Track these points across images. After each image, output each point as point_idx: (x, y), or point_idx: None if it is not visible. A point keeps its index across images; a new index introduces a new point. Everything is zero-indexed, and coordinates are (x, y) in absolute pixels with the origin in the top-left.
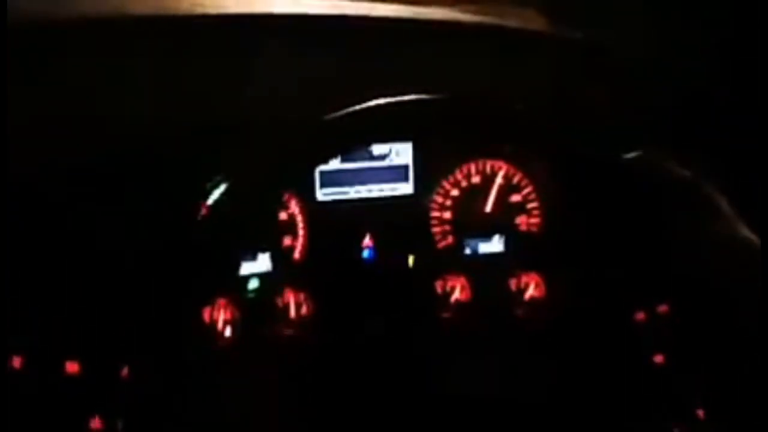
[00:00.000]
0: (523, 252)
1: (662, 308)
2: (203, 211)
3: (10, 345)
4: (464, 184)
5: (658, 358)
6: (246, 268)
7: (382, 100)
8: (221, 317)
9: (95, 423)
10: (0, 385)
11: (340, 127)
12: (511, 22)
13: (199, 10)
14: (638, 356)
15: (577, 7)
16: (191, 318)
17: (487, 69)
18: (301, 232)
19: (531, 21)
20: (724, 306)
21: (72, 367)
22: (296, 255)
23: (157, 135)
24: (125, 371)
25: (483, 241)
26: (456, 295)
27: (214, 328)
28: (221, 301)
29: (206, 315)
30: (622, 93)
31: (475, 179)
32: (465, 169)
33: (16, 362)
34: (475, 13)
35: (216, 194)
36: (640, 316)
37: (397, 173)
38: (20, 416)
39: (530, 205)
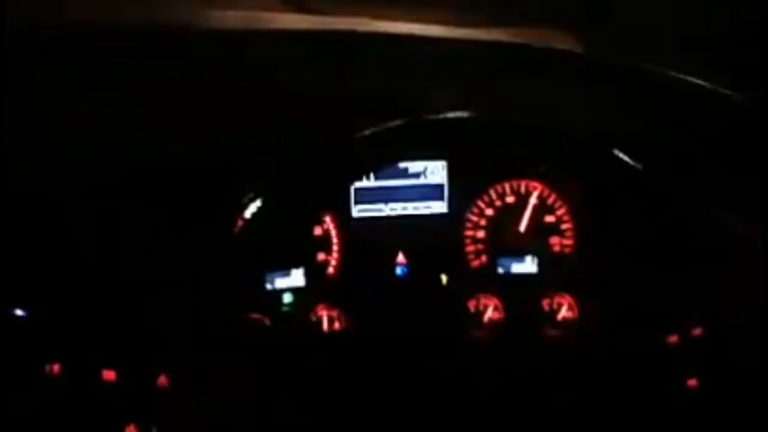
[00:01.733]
0: (556, 273)
1: (696, 332)
2: (239, 226)
3: (49, 352)
4: (498, 203)
5: (692, 382)
6: (280, 282)
7: (414, 119)
8: (256, 330)
9: (131, 430)
10: (39, 391)
11: (374, 145)
12: (552, 45)
13: (233, 26)
14: (671, 380)
15: (614, 31)
16: (227, 329)
17: (524, 90)
18: (335, 248)
19: (570, 44)
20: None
21: (109, 375)
22: (330, 271)
23: (193, 151)
24: (161, 380)
25: (516, 261)
26: (488, 314)
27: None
28: (256, 314)
29: (242, 327)
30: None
31: (510, 199)
32: (499, 189)
33: (55, 369)
34: (515, 35)
35: (251, 209)
36: (674, 339)
37: (432, 192)
38: (57, 423)
39: (564, 226)
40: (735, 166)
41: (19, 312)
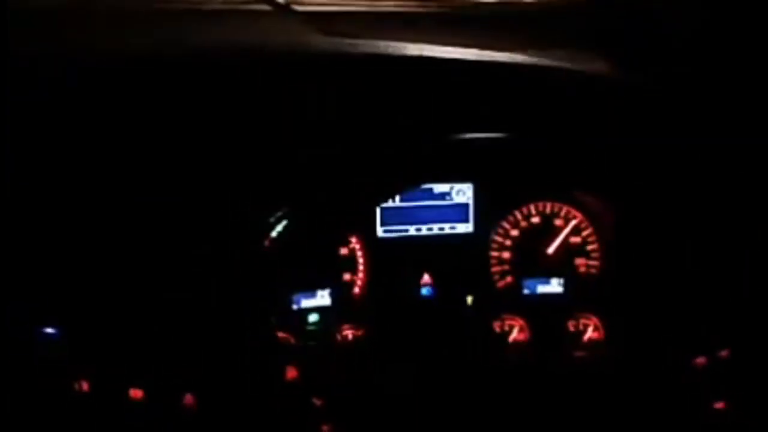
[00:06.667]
0: (582, 294)
1: (723, 353)
2: (266, 245)
3: (78, 370)
4: (524, 224)
5: (719, 405)
6: (306, 302)
7: (444, 139)
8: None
9: None
10: (66, 408)
11: (403, 165)
12: (574, 65)
13: (257, 48)
14: (699, 402)
15: (636, 50)
16: (253, 349)
17: (550, 110)
18: (361, 268)
19: (592, 64)
20: None
21: (136, 393)
22: (356, 291)
23: (221, 169)
24: (187, 399)
25: (542, 282)
26: (514, 335)
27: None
28: (281, 335)
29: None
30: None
31: (535, 220)
32: (525, 210)
33: (83, 387)
34: (539, 56)
35: (278, 228)
36: (701, 360)
37: (458, 212)
38: None
39: (590, 247)
40: None
41: (48, 330)
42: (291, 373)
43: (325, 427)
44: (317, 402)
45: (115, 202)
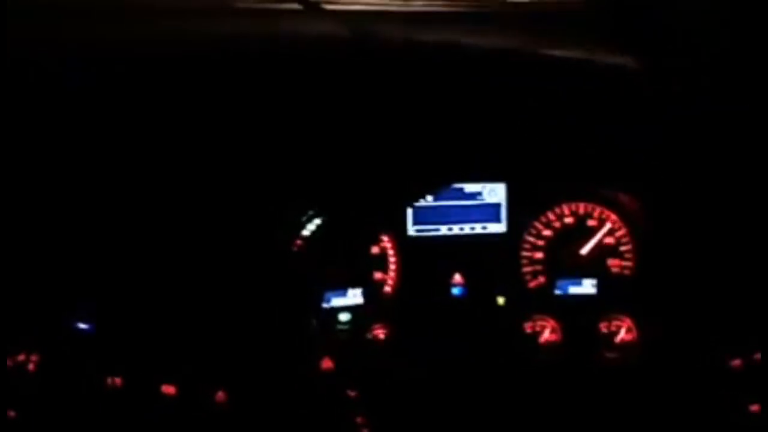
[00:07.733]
0: (615, 295)
1: (758, 356)
2: (297, 244)
3: (111, 366)
4: (556, 224)
5: (754, 407)
6: (337, 301)
7: (475, 141)
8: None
9: None
10: (99, 403)
11: (435, 165)
12: (601, 61)
13: (287, 47)
14: (733, 404)
15: (663, 44)
16: (285, 346)
17: (578, 107)
18: (392, 267)
19: (619, 60)
20: None
21: (168, 389)
22: (387, 290)
23: (255, 168)
24: (219, 395)
25: (574, 282)
26: (545, 335)
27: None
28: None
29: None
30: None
31: (568, 220)
32: (557, 210)
33: (117, 382)
34: (566, 52)
35: (311, 228)
36: (736, 363)
37: (490, 212)
38: None
39: (623, 248)
40: None
41: (82, 326)
42: (326, 363)
43: (359, 419)
44: (351, 393)
45: (149, 202)
